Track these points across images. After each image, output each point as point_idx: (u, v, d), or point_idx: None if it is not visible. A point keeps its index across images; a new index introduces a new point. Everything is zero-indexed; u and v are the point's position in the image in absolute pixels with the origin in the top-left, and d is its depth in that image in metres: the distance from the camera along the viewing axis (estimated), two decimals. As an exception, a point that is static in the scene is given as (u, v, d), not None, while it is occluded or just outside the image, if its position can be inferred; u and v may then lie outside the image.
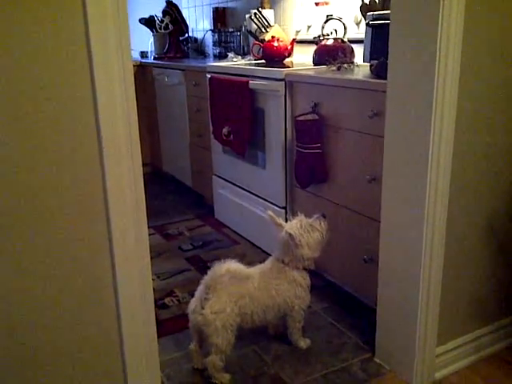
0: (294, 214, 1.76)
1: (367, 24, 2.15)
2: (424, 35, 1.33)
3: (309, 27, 2.92)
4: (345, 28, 2.44)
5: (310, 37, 2.69)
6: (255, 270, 1.70)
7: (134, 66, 1.07)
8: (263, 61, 2.83)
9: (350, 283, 2.05)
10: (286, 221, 2.24)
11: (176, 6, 3.95)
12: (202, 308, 1.55)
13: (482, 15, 1.37)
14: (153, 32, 4.00)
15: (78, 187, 1.02)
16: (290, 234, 1.63)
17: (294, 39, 2.82)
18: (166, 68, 3.46)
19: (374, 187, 1.74)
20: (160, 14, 3.92)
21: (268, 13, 3.10)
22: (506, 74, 1.48)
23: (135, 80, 1.04)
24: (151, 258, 1.15)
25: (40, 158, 0.97)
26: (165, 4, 3.92)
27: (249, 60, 3.09)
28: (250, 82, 2.36)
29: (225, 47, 3.63)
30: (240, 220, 2.76)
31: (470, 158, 1.49)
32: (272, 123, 2.30)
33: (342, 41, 2.39)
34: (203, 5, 4.11)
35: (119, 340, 1.13)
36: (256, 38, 2.97)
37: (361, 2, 2.33)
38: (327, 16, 2.50)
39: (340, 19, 2.45)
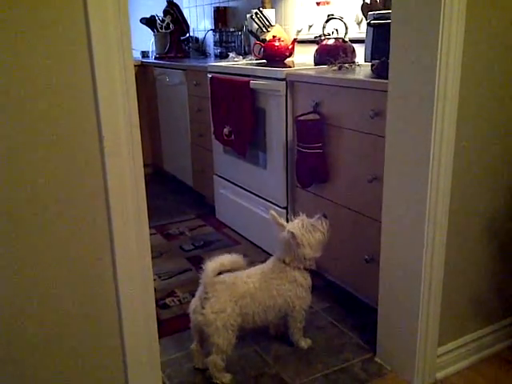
0: (296, 214, 1.76)
1: (368, 24, 2.15)
2: (425, 35, 1.33)
3: (310, 27, 2.92)
4: (346, 28, 2.44)
5: (311, 36, 2.69)
6: (256, 270, 1.70)
7: (135, 65, 1.08)
8: (264, 60, 2.83)
9: (350, 283, 2.05)
10: (288, 221, 2.24)
11: (177, 6, 3.95)
12: (203, 308, 1.55)
13: (483, 14, 1.37)
14: (154, 32, 4.00)
15: (79, 187, 1.02)
16: (292, 234, 1.63)
17: (295, 39, 2.82)
18: (167, 68, 3.46)
19: (375, 187, 1.74)
20: (161, 14, 3.92)
21: (269, 12, 3.10)
22: (508, 73, 1.48)
23: (136, 80, 1.04)
24: (152, 258, 1.15)
25: (40, 158, 0.97)
26: (166, 4, 3.93)
27: (250, 60, 3.08)
28: (251, 81, 2.36)
29: (226, 47, 3.63)
30: (241, 220, 2.76)
31: (471, 157, 1.49)
32: (273, 123, 2.30)
33: (343, 40, 2.39)
34: (204, 4, 4.11)
35: (120, 340, 1.13)
36: (257, 37, 2.97)
37: (362, 2, 2.32)
38: (328, 16, 2.50)
39: (341, 19, 2.45)
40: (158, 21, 3.89)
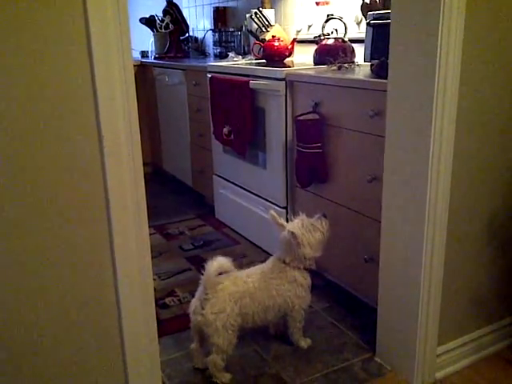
0: (296, 214, 1.76)
1: (368, 23, 2.15)
2: (425, 34, 1.33)
3: (309, 27, 2.92)
4: (345, 27, 2.44)
5: (311, 36, 2.69)
6: (256, 270, 1.70)
7: (134, 65, 1.07)
8: (264, 60, 2.83)
9: (350, 283, 2.05)
10: (287, 221, 2.24)
11: (176, 6, 3.95)
12: (203, 308, 1.55)
13: (482, 14, 1.37)
14: (153, 32, 4.00)
15: (79, 187, 1.02)
16: (293, 233, 1.63)
17: (294, 39, 2.82)
18: (167, 68, 3.46)
19: (375, 187, 1.74)
20: (160, 14, 3.92)
21: (268, 12, 3.10)
22: (507, 73, 1.48)
23: (136, 80, 1.04)
24: (152, 258, 1.15)
25: (40, 158, 0.97)
26: (165, 4, 3.92)
27: (249, 60, 3.09)
28: (251, 81, 2.36)
29: (225, 47, 3.63)
30: (240, 220, 2.76)
31: (470, 157, 1.49)
32: (272, 123, 2.30)
33: (343, 40, 2.39)
34: (204, 4, 4.11)
35: (120, 339, 1.13)
36: (256, 37, 2.97)
37: (361, 2, 2.32)
38: (328, 15, 2.50)
39: (340, 19, 2.45)
40: (158, 21, 3.89)
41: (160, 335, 1.21)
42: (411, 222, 1.48)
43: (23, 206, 0.97)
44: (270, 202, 2.43)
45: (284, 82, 2.17)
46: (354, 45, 2.39)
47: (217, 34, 3.72)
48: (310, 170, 2.06)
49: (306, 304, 1.72)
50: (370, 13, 2.14)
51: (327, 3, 2.75)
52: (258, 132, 2.41)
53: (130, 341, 1.14)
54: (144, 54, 4.20)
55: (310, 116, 2.00)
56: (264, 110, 2.35)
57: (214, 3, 3.89)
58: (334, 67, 2.15)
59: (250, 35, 3.19)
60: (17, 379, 1.04)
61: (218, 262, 1.57)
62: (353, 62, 2.27)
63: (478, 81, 1.43)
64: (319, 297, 2.08)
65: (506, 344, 1.75)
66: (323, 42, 2.44)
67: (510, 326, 1.77)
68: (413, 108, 1.41)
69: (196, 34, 4.26)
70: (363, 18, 2.40)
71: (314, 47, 2.50)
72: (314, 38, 2.56)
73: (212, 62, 2.98)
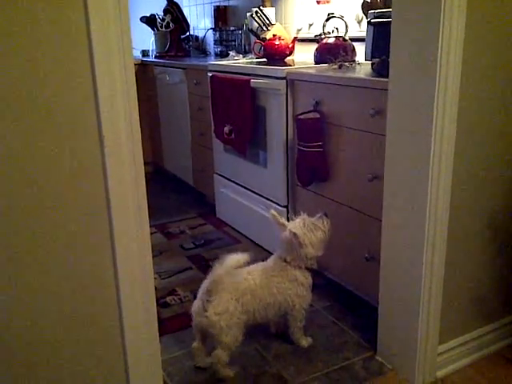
0: (297, 213, 1.76)
1: (369, 22, 2.15)
2: (425, 33, 1.33)
3: (310, 25, 2.92)
4: (346, 26, 2.43)
5: (312, 35, 2.69)
6: (257, 267, 1.70)
7: (135, 64, 1.07)
8: (264, 59, 2.82)
9: (351, 281, 2.05)
10: (288, 219, 2.24)
11: (177, 5, 3.95)
12: (206, 310, 1.55)
13: (483, 12, 1.37)
14: (154, 30, 3.99)
15: (80, 187, 1.02)
16: (295, 234, 1.63)
17: (295, 37, 2.82)
18: (168, 67, 3.46)
19: (376, 185, 1.74)
20: (161, 13, 3.92)
21: (269, 11, 3.10)
22: (508, 72, 1.48)
23: (136, 79, 1.04)
24: (153, 257, 1.15)
25: (41, 158, 0.97)
26: (166, 2, 3.92)
27: (250, 58, 3.08)
28: (252, 80, 2.36)
29: (226, 46, 3.63)
30: (241, 219, 2.76)
31: (471, 155, 1.49)
32: (273, 122, 2.30)
33: (344, 39, 2.39)
34: (204, 3, 4.10)
35: (121, 338, 1.13)
36: (257, 36, 2.97)
37: (362, 0, 2.32)
38: (328, 14, 2.50)
39: (341, 17, 2.45)
40: (158, 19, 3.89)
41: (161, 334, 1.21)
42: (412, 221, 1.47)
43: (23, 205, 0.97)
44: (271, 200, 2.43)
45: (285, 80, 2.16)
46: (354, 43, 2.39)
47: (217, 33, 3.72)
48: (310, 168, 2.06)
49: (306, 303, 1.72)
50: (370, 11, 2.14)
51: (328, 2, 2.74)
52: (259, 131, 2.41)
53: (131, 340, 1.14)
54: (145, 52, 4.20)
55: (311, 115, 2.00)
56: (265, 109, 2.35)
57: (215, 2, 3.89)
58: (335, 66, 2.15)
59: (250, 34, 3.19)
60: (16, 378, 1.04)
61: (227, 267, 1.55)
62: (354, 61, 2.26)
63: (478, 80, 1.43)
64: (320, 295, 2.08)
65: (507, 343, 1.75)
66: (324, 41, 2.44)
67: (511, 325, 1.77)
68: (414, 107, 1.41)
69: (197, 33, 4.26)
70: (364, 17, 2.40)
71: (314, 46, 2.50)
72: (315, 36, 2.56)
73: (213, 61, 2.98)
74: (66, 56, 0.95)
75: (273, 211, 1.71)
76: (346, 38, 2.41)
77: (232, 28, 3.62)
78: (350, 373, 1.64)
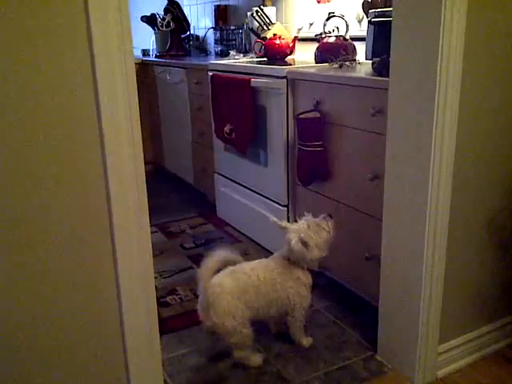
0: (301, 215, 1.75)
1: (369, 21, 2.15)
2: (426, 32, 1.33)
3: (311, 25, 2.92)
4: (347, 25, 2.43)
5: (312, 34, 2.68)
6: (260, 263, 1.70)
7: (135, 64, 1.07)
8: (265, 59, 2.82)
9: (351, 281, 2.05)
10: (288, 219, 2.24)
11: (177, 4, 3.94)
12: (208, 313, 1.56)
13: (484, 11, 1.37)
14: (154, 30, 3.99)
15: (80, 186, 1.02)
16: (305, 243, 1.62)
17: (295, 37, 2.82)
18: (168, 66, 3.46)
19: (376, 185, 1.74)
20: (162, 12, 3.92)
21: (270, 10, 3.09)
22: (509, 71, 1.48)
23: (137, 78, 1.04)
24: (153, 256, 1.15)
25: (41, 157, 0.97)
26: (166, 2, 3.92)
27: (250, 58, 3.08)
28: (252, 79, 2.35)
29: (226, 45, 3.62)
30: (242, 218, 2.76)
31: (472, 154, 1.49)
32: (274, 121, 2.30)
33: (344, 38, 2.39)
34: (205, 2, 4.10)
35: (121, 338, 1.13)
36: (258, 35, 2.97)
37: (363, 0, 2.32)
38: (329, 13, 2.49)
39: (342, 17, 2.45)
40: (159, 19, 3.89)
41: (161, 333, 1.21)
42: (412, 221, 1.47)
43: (24, 205, 0.97)
44: (272, 200, 2.43)
45: (285, 80, 2.16)
46: (355, 43, 2.39)
47: (218, 32, 3.71)
48: (311, 168, 2.05)
49: (306, 303, 1.72)
50: (371, 11, 2.14)
51: (328, 1, 2.74)
52: (260, 130, 2.41)
53: (132, 339, 1.14)
54: (145, 52, 4.20)
55: (312, 114, 2.00)
56: (265, 109, 2.35)
57: (215, 1, 3.89)
58: (336, 65, 2.15)
59: (251, 33, 3.19)
60: (14, 376, 1.04)
61: (218, 257, 1.56)
62: (354, 60, 2.26)
63: (480, 77, 1.43)
64: (320, 295, 2.08)
65: (507, 342, 1.75)
66: (324, 40, 2.43)
67: (511, 325, 1.77)
68: (414, 106, 1.41)
69: (197, 33, 4.26)
70: (365, 16, 2.40)
71: (315, 45, 2.50)
72: (316, 36, 2.55)
73: (213, 61, 2.98)
74: (66, 55, 0.95)
75: (273, 219, 1.71)
76: (347, 37, 2.40)
77: (232, 27, 3.62)
78: (351, 372, 1.64)
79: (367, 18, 2.20)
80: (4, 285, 0.98)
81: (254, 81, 2.35)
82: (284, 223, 1.69)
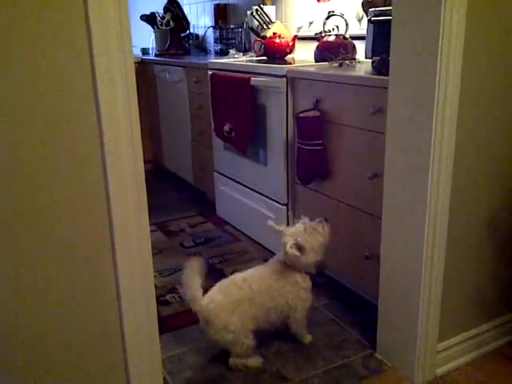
0: (297, 218, 1.75)
1: (369, 20, 2.15)
2: (426, 32, 1.33)
3: (310, 23, 2.92)
4: (346, 24, 2.43)
5: (312, 33, 2.68)
6: (254, 272, 1.71)
7: (135, 63, 1.08)
8: (265, 57, 2.82)
9: (351, 280, 2.05)
10: (288, 218, 2.24)
11: (177, 3, 3.94)
12: (207, 327, 1.60)
13: (484, 10, 1.37)
14: (154, 29, 3.99)
15: (80, 185, 1.02)
16: (302, 246, 1.63)
17: (295, 36, 2.82)
18: (168, 65, 3.46)
19: (376, 184, 1.74)
20: (161, 11, 3.91)
21: (269, 9, 3.09)
22: (509, 70, 1.48)
23: (136, 77, 1.04)
24: (153, 255, 1.15)
25: (41, 157, 0.97)
26: (166, 1, 3.92)
27: (250, 57, 3.08)
28: (252, 78, 2.36)
29: (226, 44, 3.62)
30: (241, 217, 2.76)
31: (471, 154, 1.49)
32: (273, 120, 2.30)
33: (344, 37, 2.39)
34: (204, 1, 4.10)
35: (121, 336, 1.13)
36: (257, 34, 2.97)
37: (362, -1, 2.32)
38: (329, 12, 2.49)
39: (342, 15, 2.45)
40: (158, 18, 3.89)
41: (161, 332, 1.21)
42: (412, 219, 1.48)
43: (24, 205, 0.97)
44: (271, 198, 2.43)
45: (285, 78, 2.16)
46: (355, 41, 2.39)
47: (217, 31, 3.71)
48: (310, 167, 2.06)
49: (307, 306, 1.73)
50: (371, 9, 2.14)
51: (328, 0, 2.74)
52: (259, 129, 2.41)
53: (131, 338, 1.14)
54: (145, 51, 4.20)
55: (311, 113, 2.00)
56: (265, 107, 2.35)
57: (215, 0, 3.89)
58: (335, 64, 2.15)
59: (250, 32, 3.19)
60: (14, 376, 1.04)
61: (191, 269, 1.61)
62: (354, 59, 2.26)
63: (480, 76, 1.43)
64: (320, 293, 2.08)
65: (507, 340, 1.76)
66: (324, 39, 2.43)
67: (511, 323, 1.77)
68: (414, 105, 1.41)
69: (197, 31, 4.26)
70: (364, 15, 2.40)
71: (315, 44, 2.50)
72: (315, 34, 2.55)
73: (213, 59, 2.98)
74: (66, 55, 0.95)
75: (270, 223, 1.71)
76: (347, 36, 2.40)
77: (232, 26, 3.62)
78: (350, 370, 1.65)
79: (367, 16, 2.20)
80: (3, 285, 0.98)
81: (254, 80, 2.35)
82: (280, 227, 1.69)
